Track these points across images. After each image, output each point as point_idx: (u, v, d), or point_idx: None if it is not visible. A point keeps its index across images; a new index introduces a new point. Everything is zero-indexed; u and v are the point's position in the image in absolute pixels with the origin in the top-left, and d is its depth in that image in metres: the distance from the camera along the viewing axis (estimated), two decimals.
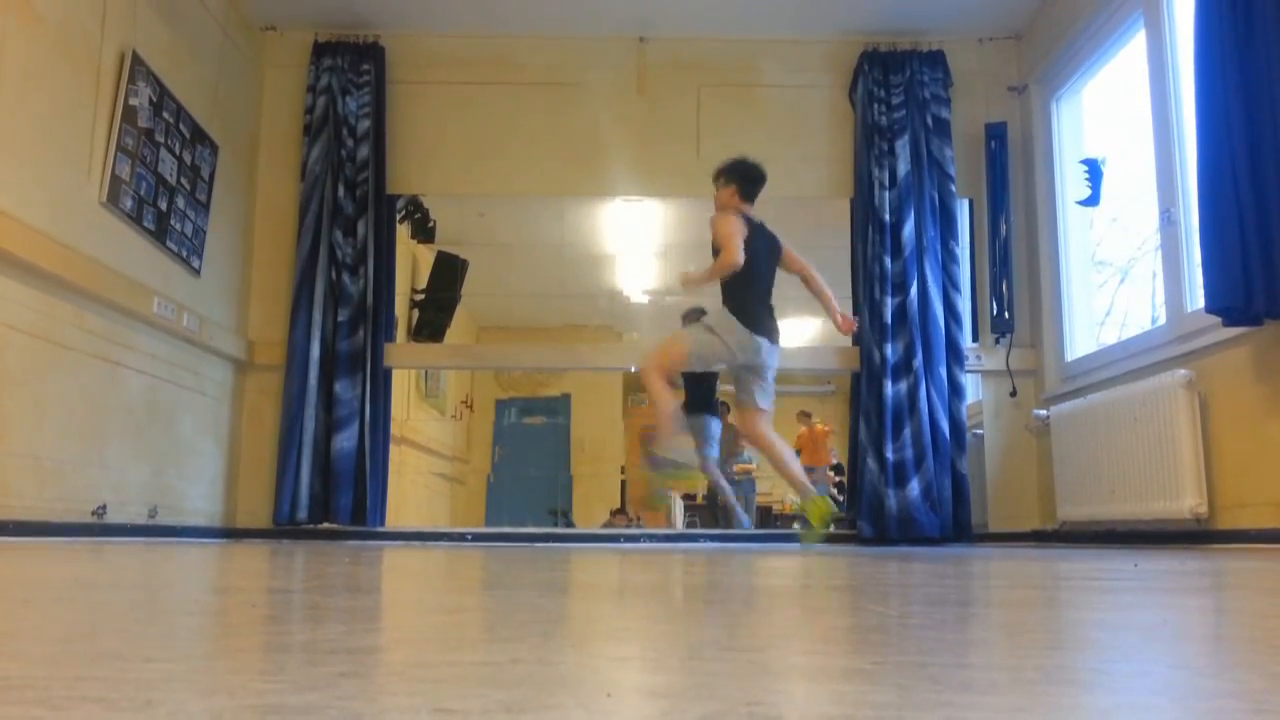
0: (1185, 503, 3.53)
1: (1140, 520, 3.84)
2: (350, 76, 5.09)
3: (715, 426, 5.86)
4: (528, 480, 10.25)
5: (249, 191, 5.13)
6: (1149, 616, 1.10)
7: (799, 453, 10.11)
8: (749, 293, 3.99)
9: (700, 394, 5.67)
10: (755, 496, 10.35)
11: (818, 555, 3.26)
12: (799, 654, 0.78)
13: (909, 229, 4.89)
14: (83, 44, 3.67)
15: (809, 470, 9.98)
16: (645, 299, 8.53)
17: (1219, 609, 1.28)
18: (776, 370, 4.07)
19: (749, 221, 4.02)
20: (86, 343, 3.67)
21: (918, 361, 4.77)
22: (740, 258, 3.84)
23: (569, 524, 8.59)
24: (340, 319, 4.89)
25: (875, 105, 5.05)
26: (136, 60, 3.94)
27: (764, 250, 4.04)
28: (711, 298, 4.19)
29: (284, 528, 4.74)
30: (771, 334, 4.02)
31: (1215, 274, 3.21)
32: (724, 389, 5.55)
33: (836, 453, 9.79)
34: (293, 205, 5.06)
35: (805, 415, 10.10)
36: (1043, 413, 4.74)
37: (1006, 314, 4.96)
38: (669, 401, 4.02)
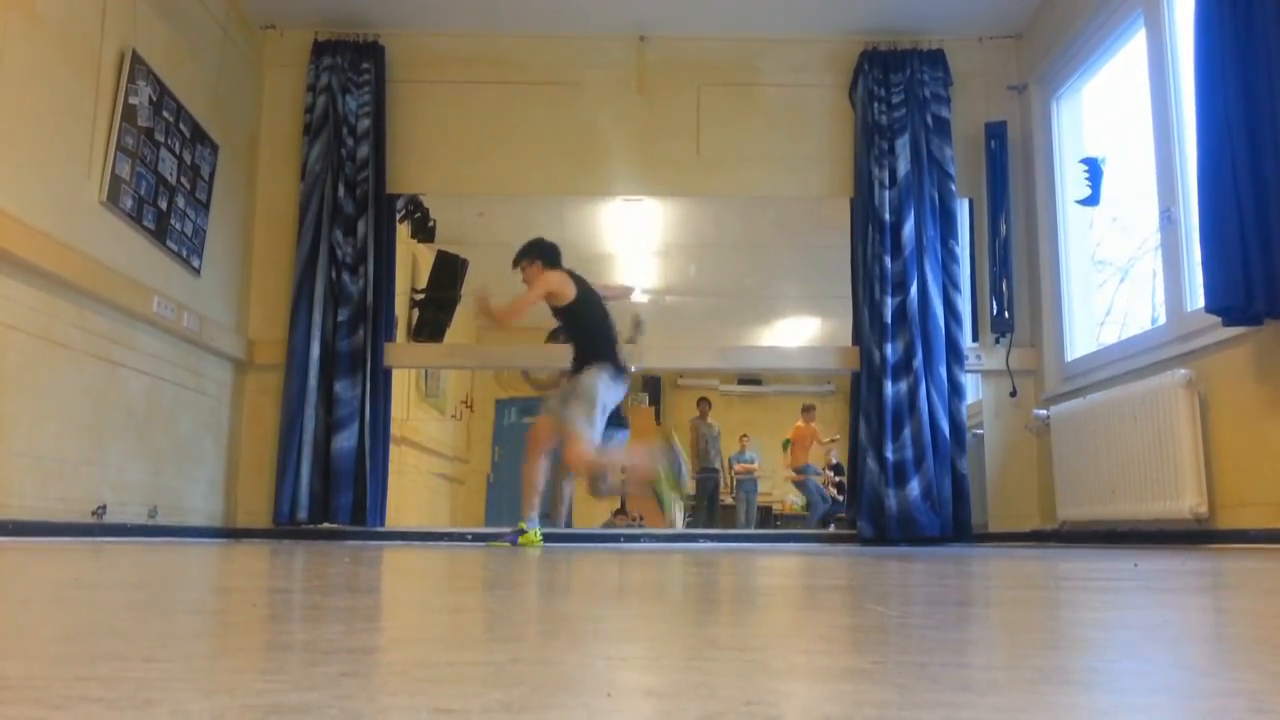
0: (1185, 502, 3.52)
1: (1140, 520, 3.84)
2: (350, 75, 5.09)
3: (621, 436, 5.95)
4: None
5: (249, 191, 5.13)
6: (1149, 616, 1.10)
7: (788, 443, 10.14)
8: (596, 335, 4.41)
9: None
10: (756, 497, 10.38)
11: (814, 555, 3.26)
12: (799, 653, 0.78)
13: (909, 228, 4.89)
14: (83, 43, 3.67)
15: (798, 470, 9.99)
16: (645, 298, 8.52)
17: (1219, 609, 1.28)
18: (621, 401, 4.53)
19: (571, 275, 4.46)
20: (86, 342, 3.67)
21: (918, 361, 4.77)
22: (522, 318, 4.47)
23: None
24: (340, 318, 4.89)
25: (875, 104, 5.05)
26: (136, 59, 3.94)
27: (590, 293, 4.49)
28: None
29: (284, 528, 4.74)
30: (616, 365, 4.39)
31: (1215, 273, 3.21)
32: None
33: (836, 453, 9.80)
34: (293, 205, 5.06)
35: (808, 409, 10.11)
36: (1043, 412, 4.74)
37: (1006, 313, 4.96)
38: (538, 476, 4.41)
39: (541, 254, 4.49)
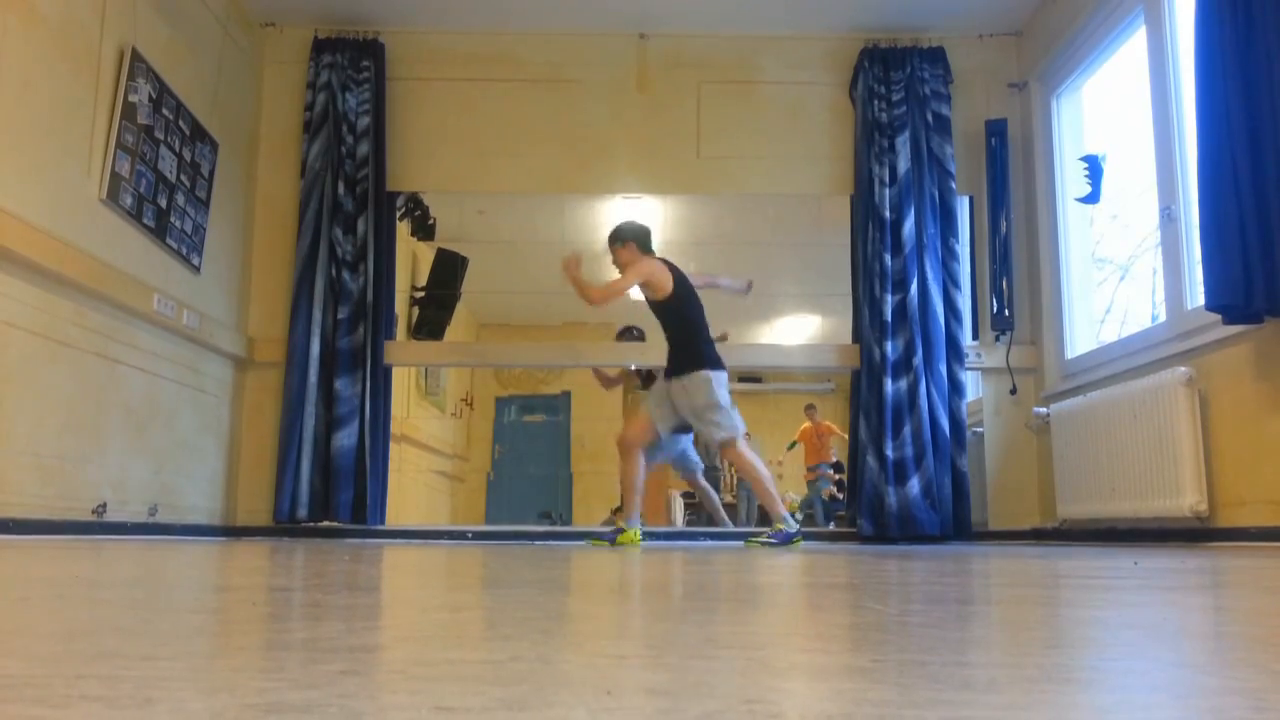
0: (1185, 500, 3.53)
1: (1140, 518, 3.84)
2: (350, 73, 5.08)
3: (688, 439, 5.86)
4: (528, 478, 10.25)
5: (249, 188, 5.12)
6: (1149, 614, 1.10)
7: (794, 444, 10.14)
8: (699, 333, 4.31)
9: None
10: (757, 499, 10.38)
11: (814, 553, 3.26)
12: (799, 652, 0.78)
13: (909, 226, 4.89)
14: (82, 41, 3.67)
15: (813, 468, 10.01)
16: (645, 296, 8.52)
17: (1219, 607, 1.28)
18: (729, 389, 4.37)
19: (667, 265, 4.32)
20: (86, 340, 3.67)
21: (918, 359, 4.76)
22: (611, 302, 4.31)
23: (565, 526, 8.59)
24: (340, 316, 4.89)
25: (875, 102, 5.05)
26: (136, 57, 3.93)
27: (688, 286, 4.34)
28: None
29: (284, 525, 4.74)
30: (720, 363, 4.31)
31: (1215, 271, 3.21)
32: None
33: (837, 451, 9.81)
34: (292, 202, 5.06)
35: (811, 408, 10.12)
36: (1043, 410, 4.74)
37: (1007, 311, 4.96)
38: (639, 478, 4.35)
39: (635, 236, 4.36)
